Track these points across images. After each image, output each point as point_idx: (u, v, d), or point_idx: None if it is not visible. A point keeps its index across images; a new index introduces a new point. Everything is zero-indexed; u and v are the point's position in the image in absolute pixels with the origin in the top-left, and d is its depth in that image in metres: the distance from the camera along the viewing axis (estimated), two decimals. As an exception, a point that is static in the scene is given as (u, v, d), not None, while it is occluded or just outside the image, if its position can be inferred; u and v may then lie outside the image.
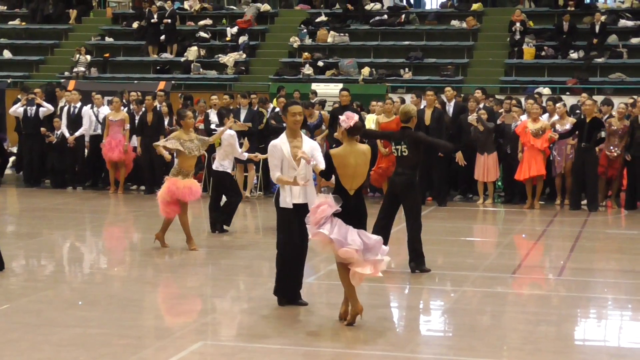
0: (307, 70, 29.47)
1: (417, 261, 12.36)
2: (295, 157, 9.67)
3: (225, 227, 15.48)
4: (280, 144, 9.94)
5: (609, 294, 11.61)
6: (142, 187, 21.12)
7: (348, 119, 9.50)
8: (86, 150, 21.74)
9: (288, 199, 9.94)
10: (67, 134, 21.46)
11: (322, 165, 9.58)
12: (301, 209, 9.85)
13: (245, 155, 15.53)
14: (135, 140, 20.86)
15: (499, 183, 20.25)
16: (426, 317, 10.32)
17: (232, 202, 15.48)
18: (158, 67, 31.39)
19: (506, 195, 20.00)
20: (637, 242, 15.45)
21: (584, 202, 18.83)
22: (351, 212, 9.34)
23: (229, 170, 15.42)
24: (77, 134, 21.40)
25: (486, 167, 19.21)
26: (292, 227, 9.95)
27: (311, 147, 9.93)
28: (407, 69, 29.32)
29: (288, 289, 10.14)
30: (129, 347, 8.65)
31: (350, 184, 9.45)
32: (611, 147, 18.54)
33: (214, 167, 15.37)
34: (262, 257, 13.21)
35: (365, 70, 28.98)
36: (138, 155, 20.78)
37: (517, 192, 19.57)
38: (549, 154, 18.92)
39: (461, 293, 11.14)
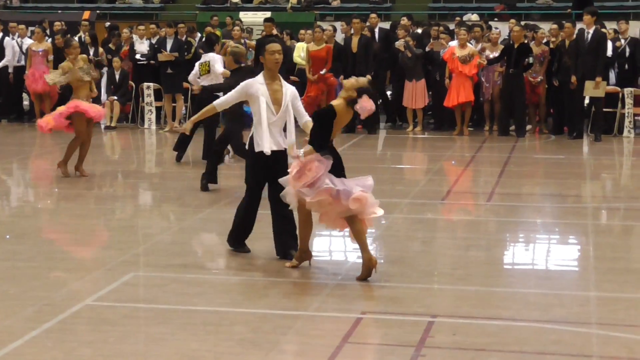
0: (235, -2, 29.13)
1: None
2: (276, 104, 9.06)
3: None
4: (257, 84, 9.13)
5: (537, 218, 11.77)
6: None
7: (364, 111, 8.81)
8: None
9: (267, 144, 9.05)
10: (-12, 66, 21.01)
11: (305, 119, 9.15)
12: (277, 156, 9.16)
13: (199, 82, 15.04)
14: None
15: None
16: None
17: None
18: (82, -4, 30.78)
19: (435, 122, 20.11)
20: (563, 166, 15.67)
21: (512, 127, 19.02)
22: (336, 164, 8.67)
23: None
24: (-1, 64, 20.97)
25: (414, 93, 19.26)
26: (264, 176, 9.21)
27: (292, 94, 9.26)
28: (335, -4, 29.13)
29: (241, 238, 9.54)
30: (59, 280, 8.57)
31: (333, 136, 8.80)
32: (533, 74, 18.68)
33: (206, 83, 14.77)
34: (191, 187, 13.13)
35: (293, -2, 28.75)
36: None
37: (446, 118, 19.68)
38: (476, 80, 19.02)
39: (391, 220, 11.21)
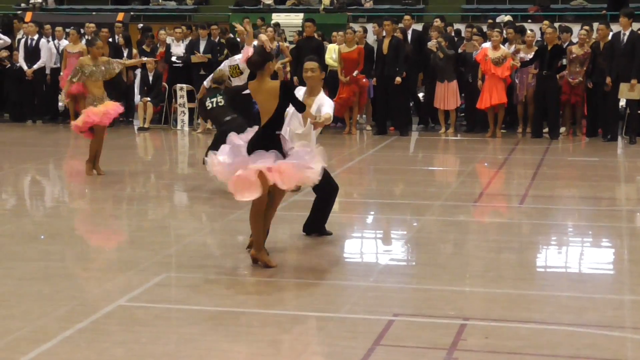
0: (267, 0, 29.17)
1: None
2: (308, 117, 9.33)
3: None
4: (301, 93, 9.65)
5: (570, 220, 11.70)
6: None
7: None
8: (44, 84, 21.51)
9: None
10: (25, 67, 21.17)
11: (328, 111, 9.41)
12: None
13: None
14: None
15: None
16: (388, 247, 10.35)
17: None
18: (116, -2, 30.95)
19: (468, 123, 20.05)
20: (597, 169, 15.57)
21: (546, 129, 18.92)
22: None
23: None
24: (35, 66, 21.13)
25: (446, 95, 19.20)
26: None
27: (318, 105, 9.57)
28: (368, -2, 29.12)
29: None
30: (92, 280, 8.63)
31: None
32: (573, 74, 18.56)
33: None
34: (223, 189, 13.14)
35: (326, 0, 28.73)
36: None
37: (479, 120, 19.61)
38: (509, 82, 18.94)
39: (423, 222, 11.18)
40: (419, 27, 21.73)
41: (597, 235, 10.97)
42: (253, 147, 8.82)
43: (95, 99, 13.89)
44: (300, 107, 9.04)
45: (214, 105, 13.10)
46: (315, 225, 10.06)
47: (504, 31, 19.82)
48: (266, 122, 8.88)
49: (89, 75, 13.83)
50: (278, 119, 8.97)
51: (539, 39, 20.05)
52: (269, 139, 8.86)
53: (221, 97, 13.09)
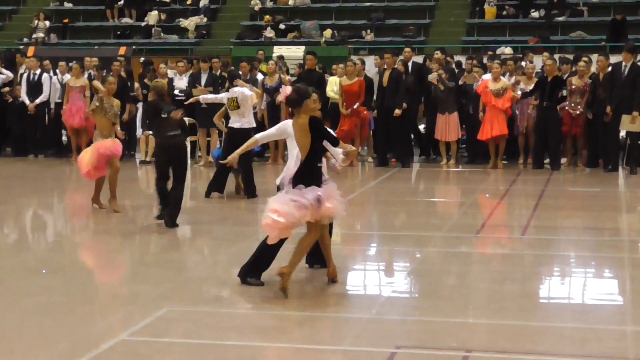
0: (269, 33, 29.33)
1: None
2: None
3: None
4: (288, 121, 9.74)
5: (572, 251, 11.69)
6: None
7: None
8: (47, 117, 21.56)
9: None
10: (27, 101, 21.23)
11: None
12: None
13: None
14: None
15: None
16: (391, 279, 10.34)
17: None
18: (118, 32, 31.13)
19: (469, 155, 20.07)
20: (599, 199, 15.57)
21: (547, 160, 18.94)
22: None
23: (254, 124, 15.33)
24: (37, 101, 21.19)
25: (447, 126, 19.24)
26: None
27: None
28: (369, 30, 29.27)
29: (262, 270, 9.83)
30: (94, 314, 8.61)
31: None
32: (573, 105, 18.60)
33: (236, 126, 15.06)
34: (225, 221, 13.18)
35: (327, 32, 28.88)
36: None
37: (480, 151, 19.64)
38: (510, 114, 18.98)
39: (425, 254, 11.17)
40: (419, 59, 21.81)
41: (599, 265, 10.95)
42: (296, 182, 9.06)
43: (102, 134, 13.82)
44: (334, 141, 9.29)
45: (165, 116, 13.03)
46: (317, 256, 10.00)
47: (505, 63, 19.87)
48: (304, 158, 9.13)
49: (103, 110, 13.77)
50: (315, 153, 9.17)
51: (539, 70, 20.12)
52: (309, 174, 9.08)
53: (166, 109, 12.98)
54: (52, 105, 21.40)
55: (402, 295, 9.64)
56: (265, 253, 9.50)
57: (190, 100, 16.50)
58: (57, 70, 21.68)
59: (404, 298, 9.53)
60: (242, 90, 15.04)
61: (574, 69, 19.12)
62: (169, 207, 12.70)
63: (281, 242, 9.44)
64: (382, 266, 11.02)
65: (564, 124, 18.63)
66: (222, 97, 15.50)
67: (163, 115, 12.69)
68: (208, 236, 12.60)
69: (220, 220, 13.51)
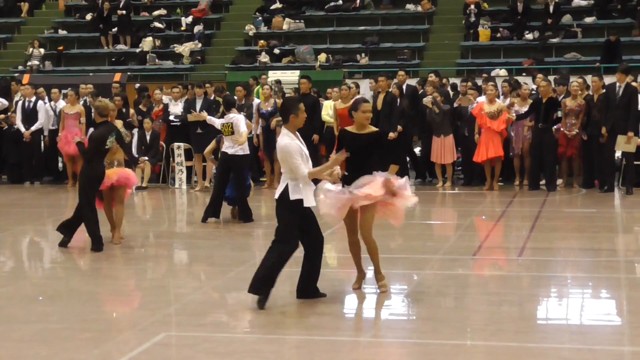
0: (264, 58, 29.41)
1: None
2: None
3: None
4: (292, 142, 9.42)
5: (569, 272, 11.69)
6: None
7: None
8: (42, 145, 21.59)
9: (311, 198, 9.55)
10: (22, 129, 21.26)
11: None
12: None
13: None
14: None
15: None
16: (388, 301, 10.33)
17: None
18: (113, 59, 31.20)
19: (465, 177, 20.09)
20: (595, 220, 15.58)
21: (543, 182, 18.96)
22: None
23: (247, 151, 15.38)
24: (33, 128, 21.23)
25: (442, 149, 19.28)
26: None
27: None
28: (363, 54, 29.34)
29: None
30: (91, 341, 8.59)
31: None
32: (568, 126, 18.63)
33: (230, 152, 15.10)
34: (222, 246, 13.17)
35: (322, 57, 28.96)
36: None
37: (476, 174, 19.66)
38: (505, 136, 19.03)
39: (422, 276, 11.16)
40: (413, 82, 21.86)
41: (596, 286, 10.95)
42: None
43: (111, 164, 13.67)
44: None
45: (110, 146, 13.00)
46: (308, 288, 9.90)
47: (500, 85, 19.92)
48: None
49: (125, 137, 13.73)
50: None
51: (534, 91, 20.18)
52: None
53: (114, 136, 12.96)
54: (46, 133, 21.42)
55: (399, 317, 9.62)
56: (272, 270, 9.46)
57: (195, 118, 16.78)
58: (50, 97, 21.71)
59: (402, 321, 9.52)
60: (237, 117, 15.08)
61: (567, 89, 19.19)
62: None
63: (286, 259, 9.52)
64: (379, 289, 10.99)
65: (559, 145, 18.68)
66: (216, 122, 15.55)
67: (107, 147, 12.86)
68: (205, 261, 12.59)
69: (217, 246, 13.51)
